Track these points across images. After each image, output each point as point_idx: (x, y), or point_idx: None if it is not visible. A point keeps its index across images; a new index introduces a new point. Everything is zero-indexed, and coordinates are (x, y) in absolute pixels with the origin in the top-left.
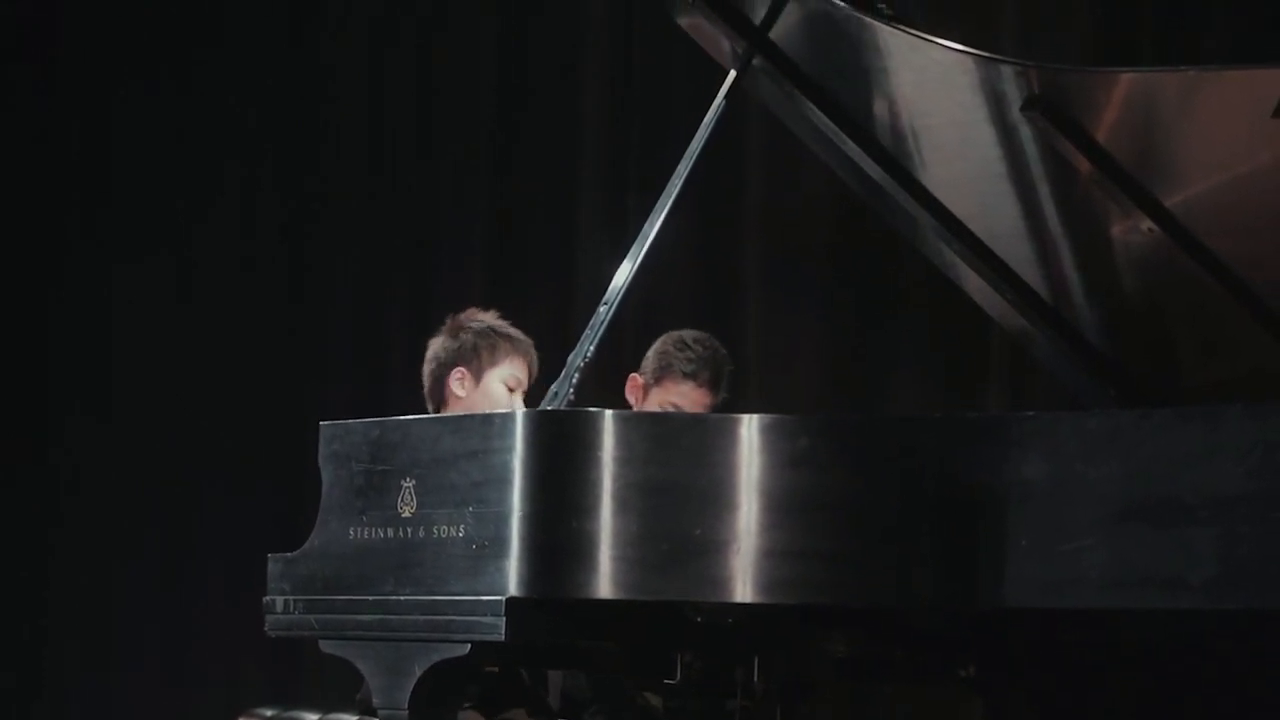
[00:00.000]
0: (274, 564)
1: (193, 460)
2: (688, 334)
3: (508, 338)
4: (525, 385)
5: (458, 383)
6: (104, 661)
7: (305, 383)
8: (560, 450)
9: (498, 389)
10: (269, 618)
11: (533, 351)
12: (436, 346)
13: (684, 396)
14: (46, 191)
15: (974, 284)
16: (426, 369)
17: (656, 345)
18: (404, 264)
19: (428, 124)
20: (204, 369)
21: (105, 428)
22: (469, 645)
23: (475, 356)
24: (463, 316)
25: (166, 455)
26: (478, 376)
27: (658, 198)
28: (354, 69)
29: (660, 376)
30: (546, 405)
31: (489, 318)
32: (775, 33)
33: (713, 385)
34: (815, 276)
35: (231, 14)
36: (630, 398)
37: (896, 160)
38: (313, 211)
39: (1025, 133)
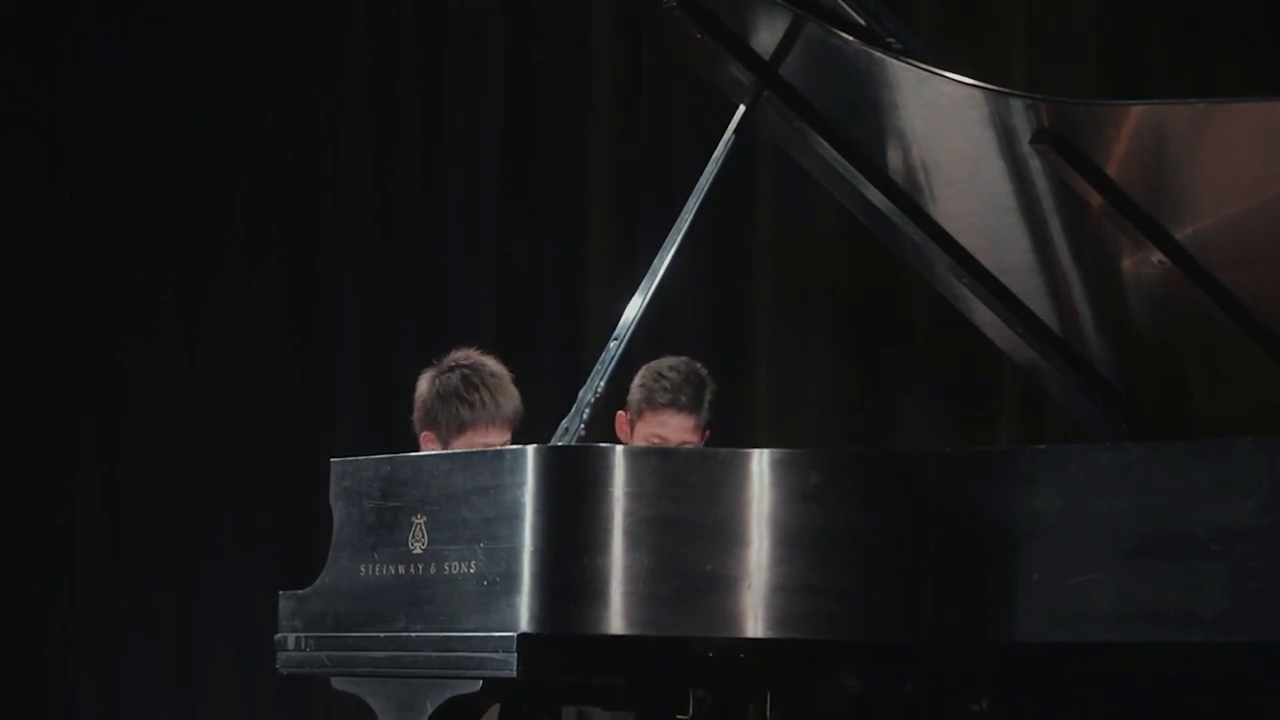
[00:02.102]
0: (285, 601)
1: (204, 500)
2: (663, 362)
3: (470, 406)
4: (501, 442)
5: (428, 446)
6: (113, 706)
7: (316, 420)
8: (571, 486)
9: None
10: (280, 655)
11: (504, 408)
12: (419, 391)
13: (665, 425)
14: (55, 234)
15: (984, 317)
16: (414, 408)
17: (637, 379)
18: (413, 301)
19: (435, 160)
20: (213, 409)
21: (114, 471)
22: (480, 682)
23: (438, 426)
24: (444, 363)
25: (176, 496)
26: (444, 445)
27: (668, 232)
28: (359, 105)
29: (643, 409)
30: (557, 441)
31: (465, 371)
32: (784, 67)
33: (694, 405)
34: (825, 310)
35: (238, 63)
36: (620, 435)
37: (906, 194)
38: (320, 248)
39: (1035, 166)
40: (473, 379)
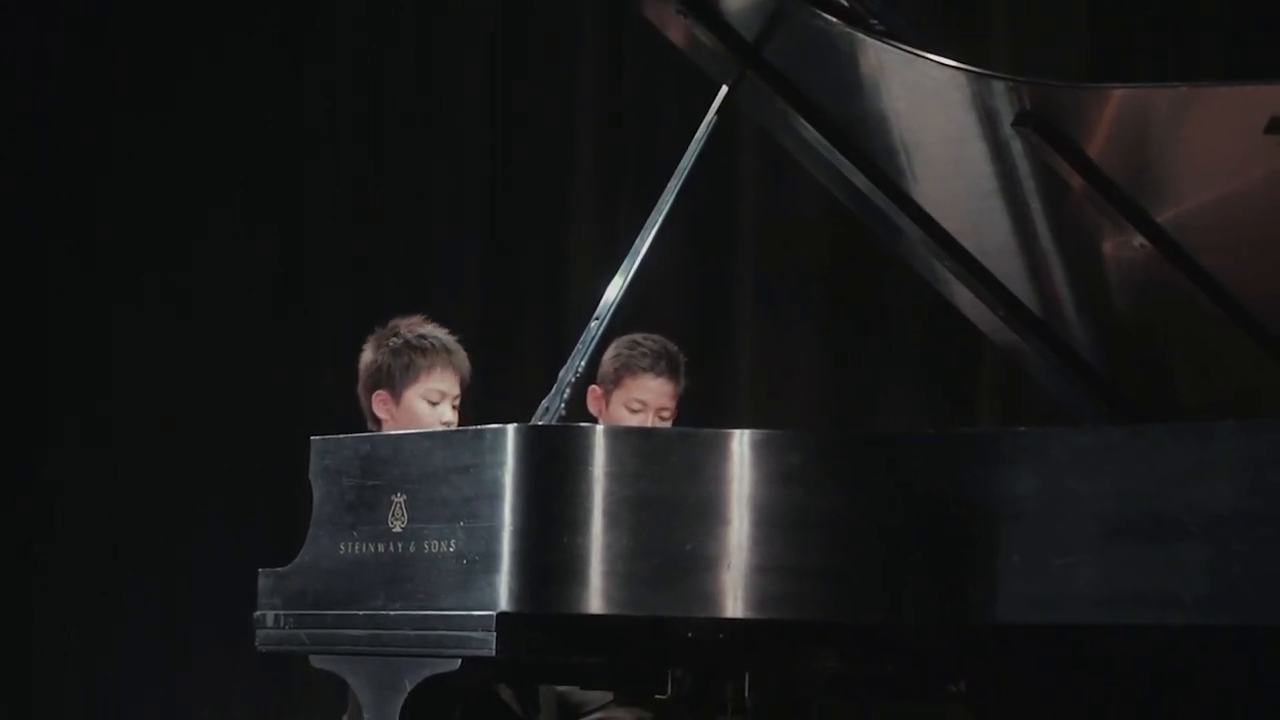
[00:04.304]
0: (265, 579)
1: (187, 479)
2: (636, 335)
3: (422, 351)
4: (454, 392)
5: (380, 406)
6: (95, 681)
7: (299, 398)
8: (551, 465)
9: (419, 406)
10: (259, 633)
11: (456, 355)
12: (362, 362)
13: (646, 389)
14: (41, 209)
15: (966, 300)
16: (360, 379)
17: (609, 352)
18: (397, 280)
19: (420, 141)
20: (199, 385)
21: (100, 448)
22: (459, 660)
23: (390, 378)
24: (386, 328)
25: (160, 473)
26: (398, 398)
27: (649, 213)
28: (347, 86)
29: (620, 377)
30: (538, 420)
31: (409, 329)
32: (768, 48)
33: (672, 373)
34: (807, 292)
35: (227, 36)
36: (593, 409)
37: (888, 176)
38: (306, 228)
39: (1017, 148)
40: (422, 331)
